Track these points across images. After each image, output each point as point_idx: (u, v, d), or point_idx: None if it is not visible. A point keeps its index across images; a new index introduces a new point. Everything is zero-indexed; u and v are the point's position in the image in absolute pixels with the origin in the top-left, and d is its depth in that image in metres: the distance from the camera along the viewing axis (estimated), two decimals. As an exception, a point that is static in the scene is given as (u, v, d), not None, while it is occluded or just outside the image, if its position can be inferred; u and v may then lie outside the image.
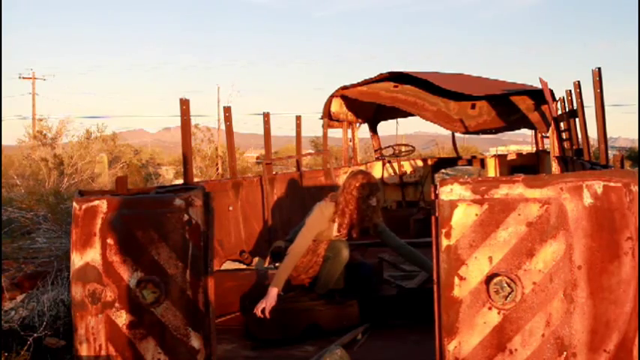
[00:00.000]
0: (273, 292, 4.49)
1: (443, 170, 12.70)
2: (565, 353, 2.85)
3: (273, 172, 7.64)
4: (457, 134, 10.12)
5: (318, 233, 4.91)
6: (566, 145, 7.50)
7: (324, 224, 4.89)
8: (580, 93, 5.89)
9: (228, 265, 5.58)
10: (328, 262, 4.88)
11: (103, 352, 3.33)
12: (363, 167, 10.48)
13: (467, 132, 8.90)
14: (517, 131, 9.93)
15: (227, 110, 6.55)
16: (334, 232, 4.97)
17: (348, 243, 4.97)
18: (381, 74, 8.55)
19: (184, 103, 5.03)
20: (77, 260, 3.36)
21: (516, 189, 2.92)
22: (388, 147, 11.20)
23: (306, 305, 4.66)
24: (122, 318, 3.32)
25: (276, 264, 5.27)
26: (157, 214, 3.33)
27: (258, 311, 4.40)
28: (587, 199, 2.87)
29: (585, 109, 5.97)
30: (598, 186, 2.88)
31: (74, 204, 3.42)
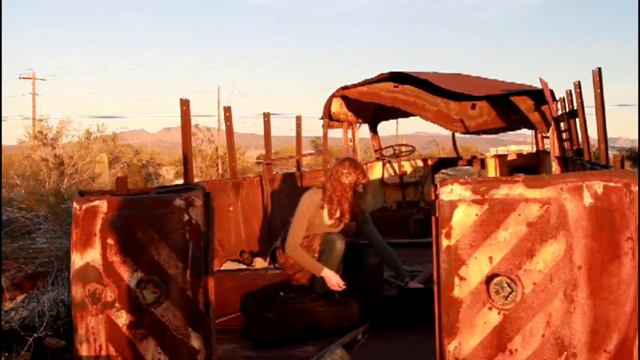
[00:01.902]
0: (328, 272, 4.80)
1: (443, 170, 12.69)
2: (565, 353, 2.84)
3: (274, 173, 7.63)
4: (457, 134, 10.11)
5: (310, 223, 4.95)
6: (566, 145, 7.49)
7: (312, 210, 4.94)
8: (580, 93, 5.88)
9: (229, 266, 5.58)
10: (324, 255, 4.90)
11: (103, 353, 3.33)
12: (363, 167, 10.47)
13: (467, 132, 8.89)
14: (517, 131, 9.92)
15: (227, 110, 6.55)
16: (326, 220, 5.00)
17: (342, 235, 5.00)
18: (382, 74, 8.53)
19: (184, 104, 5.03)
20: (77, 260, 3.36)
21: (516, 189, 2.92)
22: (388, 147, 11.19)
23: (307, 306, 4.66)
24: (122, 318, 3.32)
25: (276, 264, 5.28)
26: (157, 214, 3.33)
27: (336, 287, 4.77)
28: (588, 200, 2.87)
29: (585, 109, 5.97)
30: (598, 186, 2.88)
31: (74, 204, 3.41)
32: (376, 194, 10.82)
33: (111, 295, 3.32)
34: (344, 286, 4.76)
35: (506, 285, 2.87)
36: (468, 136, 10.02)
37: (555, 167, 7.55)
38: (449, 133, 9.89)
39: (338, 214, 4.98)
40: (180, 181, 6.68)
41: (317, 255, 4.94)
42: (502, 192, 2.93)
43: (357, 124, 10.32)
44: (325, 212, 4.99)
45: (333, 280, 4.78)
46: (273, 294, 4.77)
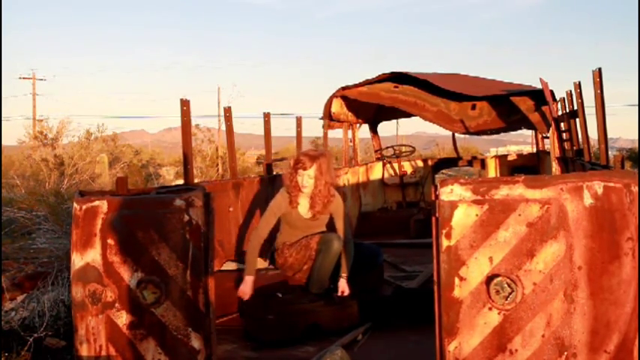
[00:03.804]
0: (249, 280, 4.78)
1: (443, 171, 12.69)
2: (565, 354, 2.84)
3: (274, 173, 7.63)
4: (457, 135, 10.11)
5: (288, 218, 5.03)
6: (566, 145, 7.49)
7: (283, 206, 5.02)
8: (580, 93, 5.88)
9: (229, 266, 5.58)
10: (320, 255, 4.90)
11: (104, 353, 3.33)
12: (363, 168, 10.48)
13: (467, 132, 8.89)
14: (517, 132, 9.92)
15: (227, 111, 6.55)
16: (303, 214, 5.06)
17: (339, 235, 5.00)
18: (382, 75, 8.53)
19: (185, 104, 5.03)
20: (77, 261, 3.36)
21: (517, 189, 2.92)
22: (389, 147, 11.20)
23: (306, 307, 4.66)
24: (122, 318, 3.32)
25: (275, 265, 5.28)
26: (157, 214, 3.33)
27: (240, 295, 4.73)
28: (588, 200, 2.87)
29: (585, 109, 5.97)
30: (598, 186, 2.88)
31: (74, 204, 3.41)
32: (376, 194, 10.83)
33: (111, 295, 3.32)
34: (246, 296, 4.74)
35: (506, 285, 2.87)
36: (468, 136, 10.02)
37: (555, 167, 7.55)
38: (449, 133, 9.89)
39: (295, 203, 5.04)
40: (181, 182, 6.67)
41: (314, 254, 4.94)
42: (502, 192, 2.93)
43: (358, 125, 10.32)
44: (300, 207, 5.04)
45: (244, 289, 4.76)
46: (270, 295, 4.76)
